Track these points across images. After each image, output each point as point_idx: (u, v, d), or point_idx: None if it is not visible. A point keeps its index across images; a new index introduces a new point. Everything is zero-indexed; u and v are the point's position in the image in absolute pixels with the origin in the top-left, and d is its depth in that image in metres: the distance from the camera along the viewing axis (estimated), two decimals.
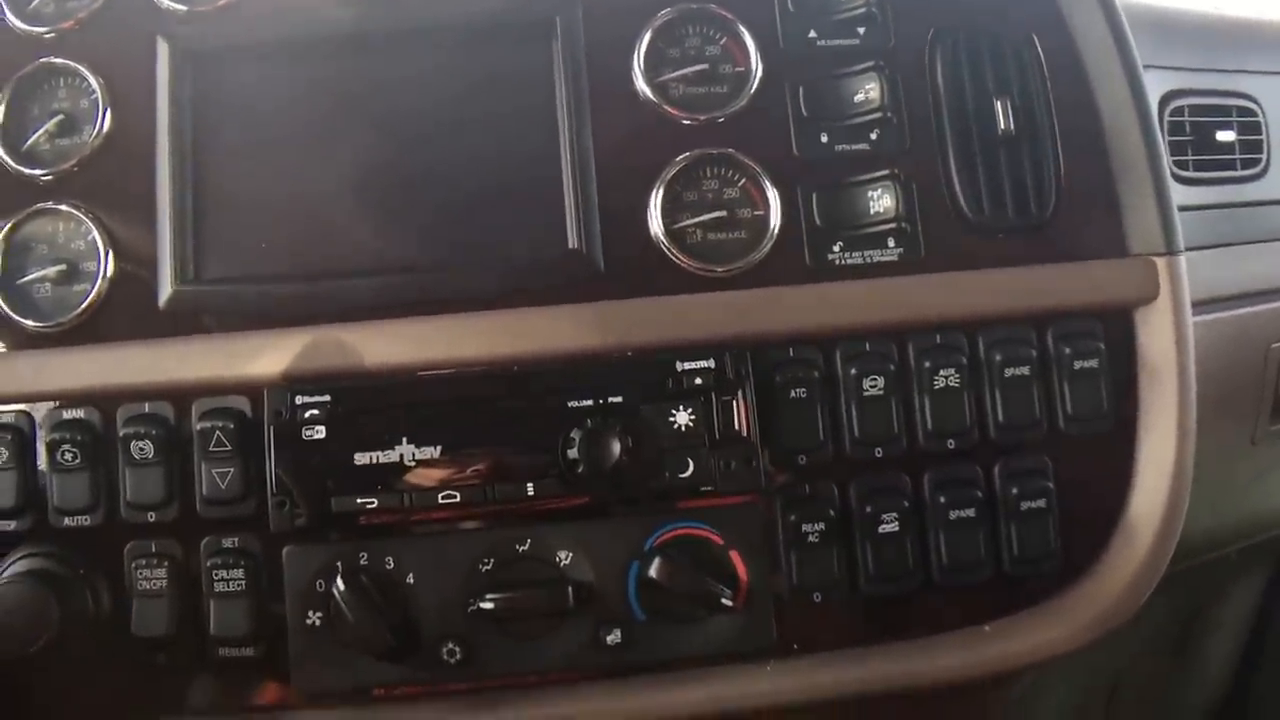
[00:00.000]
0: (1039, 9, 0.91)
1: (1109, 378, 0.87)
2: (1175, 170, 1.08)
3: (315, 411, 0.81)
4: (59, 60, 0.88)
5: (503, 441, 0.81)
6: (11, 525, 0.84)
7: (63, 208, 0.86)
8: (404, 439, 0.81)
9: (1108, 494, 0.88)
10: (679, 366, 0.82)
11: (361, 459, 0.81)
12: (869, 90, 0.87)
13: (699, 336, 0.84)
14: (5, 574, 0.81)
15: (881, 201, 0.86)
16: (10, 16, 0.89)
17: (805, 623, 0.85)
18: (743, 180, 0.87)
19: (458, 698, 0.84)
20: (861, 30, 0.90)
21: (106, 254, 0.85)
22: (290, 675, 0.82)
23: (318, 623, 0.81)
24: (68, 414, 0.83)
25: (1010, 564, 0.86)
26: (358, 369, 0.82)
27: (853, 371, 0.85)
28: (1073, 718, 1.52)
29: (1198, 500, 0.89)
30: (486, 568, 0.82)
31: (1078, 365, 0.87)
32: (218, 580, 0.82)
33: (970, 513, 0.86)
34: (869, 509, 0.85)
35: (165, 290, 0.84)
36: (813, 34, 0.89)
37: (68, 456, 0.82)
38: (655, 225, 0.85)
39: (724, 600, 0.81)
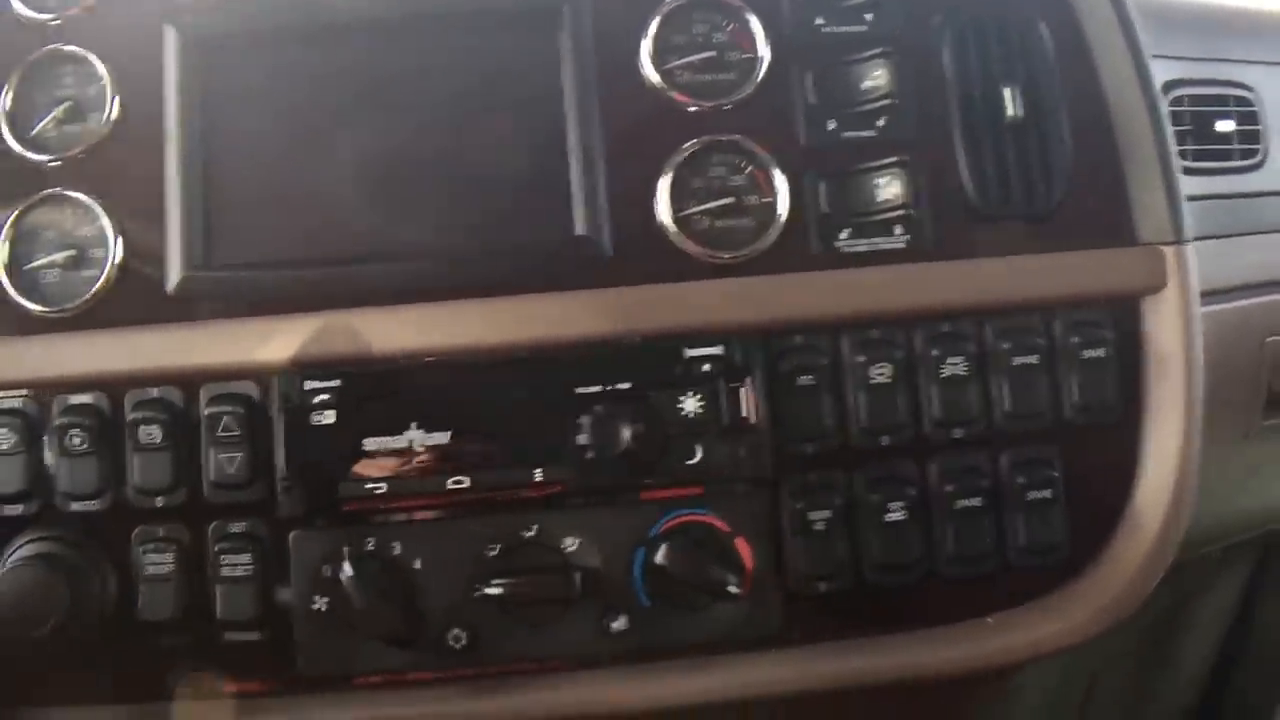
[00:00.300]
0: None
1: (1116, 367, 0.87)
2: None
3: (324, 397, 0.81)
4: (66, 47, 0.88)
5: (511, 428, 0.82)
6: (19, 509, 0.84)
7: (71, 194, 0.86)
8: (413, 425, 0.81)
9: (1114, 485, 0.88)
10: (687, 353, 0.82)
11: (370, 444, 0.81)
12: (877, 77, 0.87)
13: (707, 323, 0.84)
14: (13, 558, 0.81)
15: (889, 188, 0.85)
16: (17, 4, 0.89)
17: (810, 611, 0.85)
18: (750, 167, 0.87)
19: (463, 684, 0.84)
20: (869, 17, 0.89)
21: (115, 240, 0.85)
22: (296, 660, 0.82)
23: (324, 608, 0.81)
24: (76, 399, 0.83)
25: (1016, 555, 0.86)
26: (366, 355, 0.82)
27: (860, 359, 0.85)
28: (1047, 717, 1.52)
29: None
30: (493, 554, 0.82)
31: (1085, 355, 0.86)
32: (225, 565, 0.82)
33: (977, 502, 0.85)
34: (875, 497, 0.85)
35: (174, 276, 0.84)
36: (820, 20, 0.89)
37: (76, 441, 0.82)
38: (663, 212, 0.85)
39: (730, 588, 0.81)
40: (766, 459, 0.83)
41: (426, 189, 0.86)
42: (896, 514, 0.85)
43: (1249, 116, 1.16)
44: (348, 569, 0.79)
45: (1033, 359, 0.86)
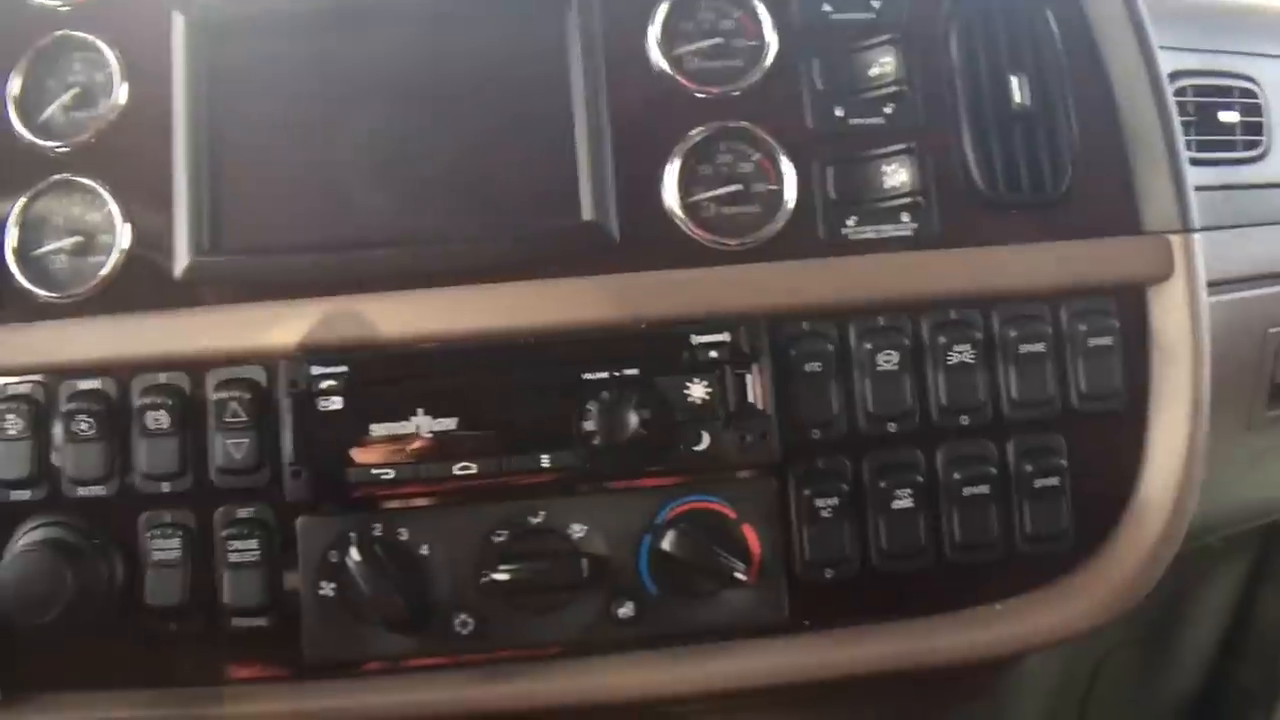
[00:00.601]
0: None
1: (1123, 356, 0.87)
2: None
3: (331, 382, 0.81)
4: (75, 33, 0.88)
5: (518, 413, 0.82)
6: (26, 495, 0.84)
7: (79, 180, 0.86)
8: (420, 410, 0.81)
9: (1120, 473, 0.88)
10: (694, 339, 0.82)
11: (377, 430, 0.81)
12: (884, 64, 0.87)
13: (713, 309, 0.84)
14: (20, 543, 0.81)
15: (896, 176, 0.86)
16: None
17: (817, 598, 0.85)
18: (758, 154, 0.87)
19: (469, 670, 0.84)
20: (877, 4, 0.90)
21: (123, 226, 0.85)
22: (303, 646, 0.82)
23: (331, 593, 0.81)
24: (83, 384, 0.84)
25: (1022, 542, 0.86)
26: (373, 340, 0.83)
27: (867, 346, 0.85)
28: (1047, 710, 1.51)
29: None
30: (500, 540, 0.82)
31: (1091, 343, 0.86)
32: (231, 550, 0.82)
33: (983, 489, 0.85)
34: (882, 484, 0.85)
35: (182, 261, 0.84)
36: (827, 7, 0.89)
37: (83, 427, 0.82)
38: (670, 198, 0.86)
39: (736, 575, 0.81)
40: (773, 446, 0.82)
41: (434, 174, 0.86)
42: (903, 501, 0.85)
43: (1253, 108, 1.16)
44: (354, 555, 0.79)
45: (1039, 347, 0.86)
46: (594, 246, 0.85)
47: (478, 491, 0.83)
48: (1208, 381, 0.88)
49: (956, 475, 0.86)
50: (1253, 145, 1.16)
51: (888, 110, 0.88)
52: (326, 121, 0.87)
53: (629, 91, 0.87)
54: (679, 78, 0.87)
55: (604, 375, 0.81)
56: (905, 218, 0.87)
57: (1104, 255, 0.88)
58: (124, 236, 0.85)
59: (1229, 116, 1.13)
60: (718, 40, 0.88)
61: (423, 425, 0.81)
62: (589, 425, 0.80)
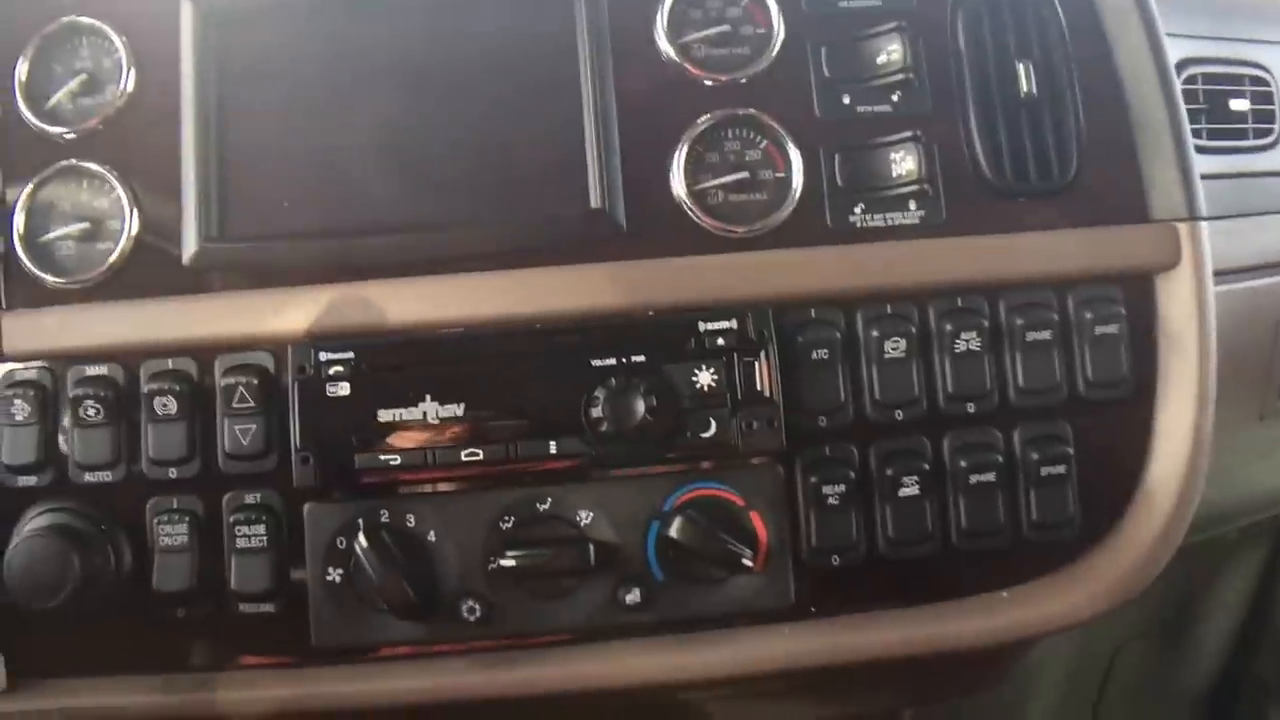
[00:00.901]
0: None
1: (1129, 344, 0.87)
2: None
3: (339, 368, 0.81)
4: (83, 19, 0.88)
5: (525, 400, 0.82)
6: (34, 480, 0.84)
7: (87, 166, 0.86)
8: (427, 397, 0.81)
9: (1126, 461, 0.88)
10: (701, 327, 0.82)
11: (385, 416, 0.81)
12: (891, 52, 0.87)
13: (721, 297, 0.84)
14: (27, 528, 0.81)
15: (903, 164, 0.86)
16: None
17: (824, 585, 0.86)
18: (765, 141, 0.87)
19: (476, 655, 0.85)
20: None
21: (130, 212, 0.85)
22: (310, 632, 0.82)
23: (338, 579, 0.82)
24: (90, 370, 0.84)
25: (1029, 529, 0.86)
26: (381, 326, 0.83)
27: (874, 334, 0.85)
28: (1061, 702, 1.51)
29: None
30: (507, 526, 0.83)
31: (1098, 331, 0.86)
32: (239, 536, 0.82)
33: (990, 477, 0.85)
34: (889, 472, 0.85)
35: (190, 247, 0.84)
36: None
37: (90, 412, 0.82)
38: (678, 185, 0.86)
39: (743, 561, 0.81)
40: (780, 433, 0.82)
41: (441, 161, 0.86)
42: (910, 489, 0.85)
43: (1264, 96, 1.16)
44: (362, 541, 0.79)
45: (1046, 335, 0.86)
46: (601, 233, 0.85)
47: (485, 478, 0.83)
48: (1214, 370, 0.88)
49: (963, 463, 0.86)
50: (1264, 134, 1.15)
51: (895, 98, 0.88)
52: (334, 108, 0.87)
53: (636, 79, 0.87)
54: (686, 65, 0.87)
55: (612, 362, 0.81)
56: (912, 205, 0.86)
57: (1111, 243, 0.88)
58: (132, 223, 0.85)
59: (1240, 105, 1.13)
60: (725, 28, 0.88)
61: (430, 411, 0.81)
62: (597, 412, 0.80)
